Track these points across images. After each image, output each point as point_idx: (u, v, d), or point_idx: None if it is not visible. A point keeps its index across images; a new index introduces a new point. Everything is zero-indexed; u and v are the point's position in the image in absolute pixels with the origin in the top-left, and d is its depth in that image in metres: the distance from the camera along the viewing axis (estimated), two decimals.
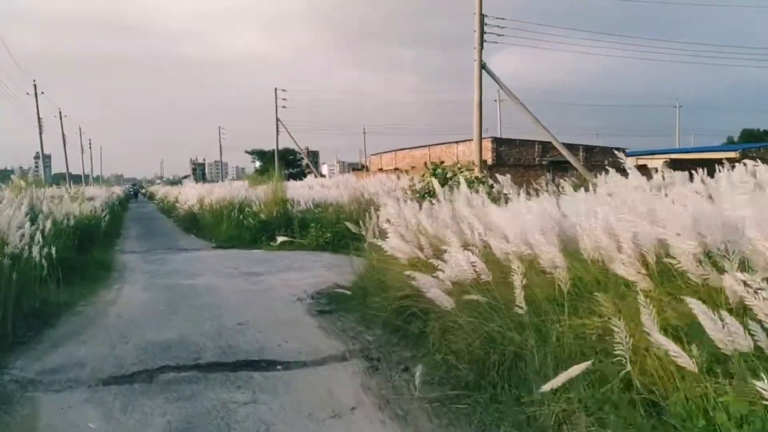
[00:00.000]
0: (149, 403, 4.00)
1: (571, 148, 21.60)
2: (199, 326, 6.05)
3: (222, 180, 50.59)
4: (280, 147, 46.96)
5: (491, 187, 10.11)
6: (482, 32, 17.32)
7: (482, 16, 17.24)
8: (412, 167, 25.28)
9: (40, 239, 6.77)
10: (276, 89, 44.74)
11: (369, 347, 5.26)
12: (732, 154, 23.57)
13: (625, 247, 3.00)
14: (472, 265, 3.99)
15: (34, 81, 43.24)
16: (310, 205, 15.48)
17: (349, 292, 6.55)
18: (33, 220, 7.41)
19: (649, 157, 29.77)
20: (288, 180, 22.54)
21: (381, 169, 29.95)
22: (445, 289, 4.01)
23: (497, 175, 13.97)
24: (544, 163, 23.81)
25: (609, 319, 2.79)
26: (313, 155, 75.78)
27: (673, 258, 2.78)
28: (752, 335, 2.19)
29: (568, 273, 3.31)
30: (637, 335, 2.66)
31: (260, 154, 58.84)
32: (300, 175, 42.37)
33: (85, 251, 10.63)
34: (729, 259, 2.58)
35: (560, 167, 22.17)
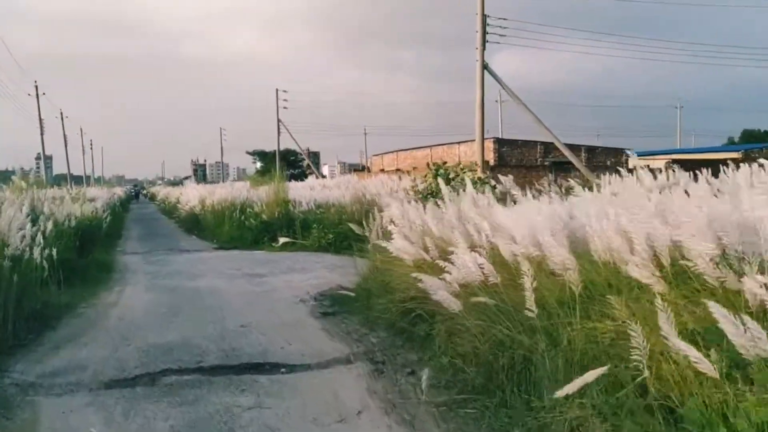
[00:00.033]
0: (152, 408, 3.93)
1: (574, 148, 21.52)
2: (201, 328, 5.99)
3: (223, 181, 50.57)
4: (281, 148, 46.97)
5: (494, 187, 10.06)
6: (484, 32, 17.25)
7: (484, 17, 17.18)
8: (414, 168, 25.22)
9: (41, 240, 6.71)
10: (277, 90, 44.72)
11: (373, 350, 5.19)
12: (734, 155, 23.46)
13: (639, 248, 2.93)
14: (480, 267, 3.92)
15: (36, 82, 43.18)
16: (312, 206, 15.44)
17: (352, 294, 6.49)
18: (34, 222, 7.35)
19: (651, 157, 29.65)
20: (289, 181, 22.48)
21: (382, 170, 29.88)
22: (452, 291, 3.95)
23: (499, 175, 13.99)
24: (546, 163, 23.73)
25: (623, 322, 2.73)
26: (314, 156, 75.68)
27: (689, 260, 2.72)
28: None
29: (580, 275, 3.24)
30: (652, 339, 2.59)
31: (261, 155, 58.80)
32: (301, 176, 42.34)
33: (86, 252, 10.58)
34: (748, 262, 2.51)
35: (562, 168, 22.09)
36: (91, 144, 68.76)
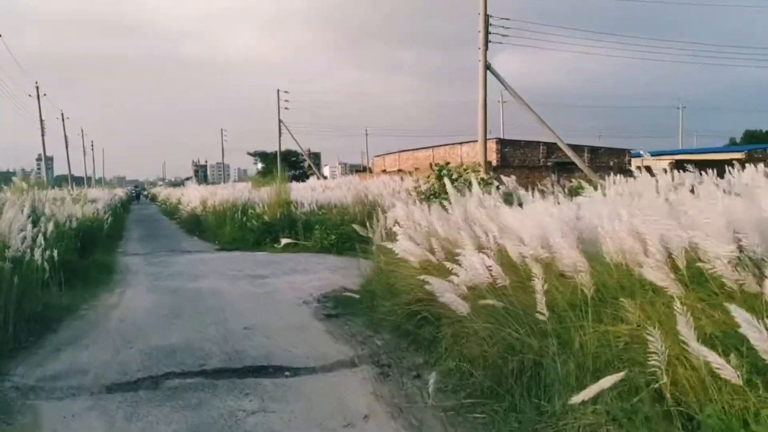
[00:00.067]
0: (154, 412, 3.86)
1: (576, 149, 21.45)
2: (204, 331, 5.93)
3: (224, 182, 50.48)
4: (282, 148, 46.92)
5: (497, 188, 9.99)
6: (487, 32, 17.19)
7: (487, 17, 17.12)
8: (416, 169, 25.15)
9: (42, 242, 6.65)
10: (278, 91, 44.73)
11: (378, 352, 5.13)
12: (738, 155, 23.39)
13: (653, 250, 2.86)
14: (488, 269, 3.85)
15: (36, 83, 43.15)
16: (314, 207, 15.40)
17: (357, 296, 6.42)
18: (35, 223, 7.29)
19: (654, 158, 29.58)
20: (290, 182, 22.42)
21: (384, 171, 29.82)
22: (460, 293, 3.88)
23: (502, 176, 13.92)
24: (549, 164, 23.64)
25: (638, 326, 2.66)
26: (315, 157, 75.71)
27: (706, 262, 2.65)
28: None
29: (591, 277, 3.17)
30: (668, 343, 2.52)
31: (262, 156, 58.77)
32: (302, 177, 42.27)
33: (87, 254, 10.52)
34: None
35: (565, 168, 22.01)
36: (92, 145, 68.89)
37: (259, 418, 3.77)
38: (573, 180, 16.82)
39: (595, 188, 7.88)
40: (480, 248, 4.45)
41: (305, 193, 17.24)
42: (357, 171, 45.42)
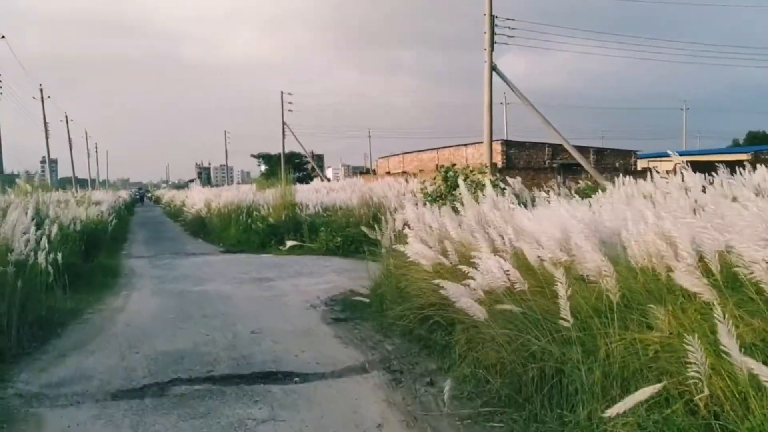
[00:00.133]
0: (161, 421, 3.74)
1: (582, 150, 21.29)
2: (211, 335, 5.81)
3: (228, 184, 50.48)
4: (286, 150, 46.82)
5: (503, 189, 9.86)
6: (492, 33, 17.06)
7: (492, 17, 16.99)
8: (420, 170, 25.05)
9: (46, 245, 6.54)
10: (282, 92, 44.67)
11: (389, 358, 5.00)
12: (744, 156, 23.21)
13: (684, 253, 2.73)
14: (506, 273, 3.72)
15: (41, 85, 43.24)
16: (319, 209, 15.30)
17: (367, 300, 6.29)
18: (39, 225, 7.19)
19: (658, 159, 29.42)
20: (294, 184, 22.33)
21: (388, 173, 29.69)
22: (476, 298, 3.75)
23: (507, 177, 13.79)
24: (554, 165, 23.49)
25: (671, 334, 2.53)
26: (318, 159, 75.53)
27: (742, 266, 2.52)
28: None
29: (617, 282, 3.04)
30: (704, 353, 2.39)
31: (266, 158, 58.66)
32: (306, 179, 42.15)
33: (91, 257, 10.43)
34: None
35: (571, 170, 21.87)
36: (96, 147, 68.93)
37: (269, 427, 3.65)
38: (579, 181, 16.71)
39: (603, 190, 7.77)
40: (495, 251, 4.33)
41: (310, 195, 17.15)
42: (360, 173, 45.23)
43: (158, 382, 4.46)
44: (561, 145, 19.78)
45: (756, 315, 2.45)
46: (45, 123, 43.63)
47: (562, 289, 3.04)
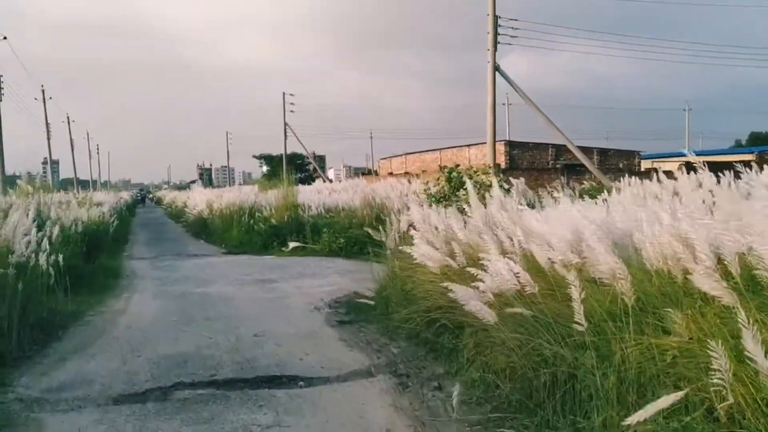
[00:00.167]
0: (164, 426, 3.66)
1: (585, 151, 21.18)
2: (213, 338, 5.74)
3: (229, 185, 50.38)
4: (287, 151, 46.74)
5: (507, 191, 9.78)
6: (496, 34, 16.97)
7: (496, 18, 16.90)
8: (423, 171, 24.98)
9: (47, 246, 6.47)
10: (284, 93, 44.57)
11: (395, 361, 4.92)
12: (748, 157, 23.15)
13: (702, 256, 2.65)
14: (516, 276, 3.64)
15: (42, 86, 43.18)
16: (321, 210, 15.24)
17: (371, 302, 6.21)
18: (40, 227, 7.12)
19: (662, 160, 29.33)
20: (297, 185, 22.28)
21: (391, 173, 29.62)
22: (486, 301, 3.67)
23: (511, 178, 13.71)
24: (557, 166, 23.40)
25: (690, 339, 2.45)
26: (320, 160, 75.46)
27: (763, 269, 2.44)
28: None
29: (632, 285, 2.95)
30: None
31: (268, 159, 58.60)
32: (308, 180, 42.13)
33: (93, 258, 10.37)
34: None
35: (574, 171, 21.77)
36: (97, 148, 68.83)
37: None
38: (584, 182, 16.61)
39: (609, 191, 7.68)
40: (503, 253, 4.25)
41: (312, 196, 17.11)
42: (363, 174, 45.13)
43: (161, 386, 4.39)
44: (564, 145, 19.69)
45: None
46: (47, 124, 43.61)
47: (575, 292, 2.96)
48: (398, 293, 5.86)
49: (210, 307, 7.31)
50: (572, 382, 3.17)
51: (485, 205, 5.47)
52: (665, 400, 2.04)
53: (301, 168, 54.15)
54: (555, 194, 6.92)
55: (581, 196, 8.33)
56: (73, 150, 52.78)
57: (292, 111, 44.79)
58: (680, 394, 2.09)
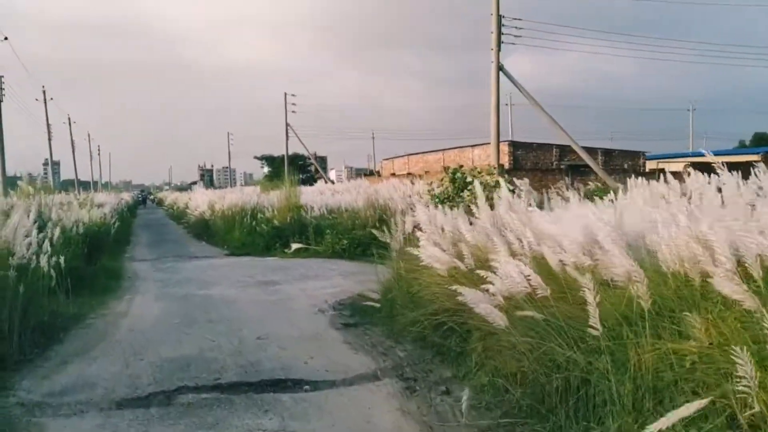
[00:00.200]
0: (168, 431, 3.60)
1: (590, 151, 21.11)
2: (217, 341, 5.66)
3: (231, 186, 50.33)
4: (289, 152, 46.69)
5: (512, 191, 9.70)
6: (499, 33, 16.91)
7: (499, 17, 16.84)
8: (426, 172, 24.91)
9: (48, 248, 6.40)
10: (286, 94, 44.50)
11: (402, 365, 4.85)
12: (754, 157, 23.01)
13: (722, 258, 2.57)
14: (526, 278, 3.56)
15: (43, 87, 43.22)
16: (324, 211, 15.15)
17: (377, 304, 6.13)
18: (41, 228, 7.05)
19: (667, 160, 29.23)
20: (299, 185, 22.21)
21: (393, 174, 29.54)
22: (496, 304, 3.59)
23: (515, 179, 13.63)
24: (562, 167, 23.32)
25: (711, 344, 2.38)
26: (322, 161, 75.43)
27: None
28: None
29: (648, 288, 2.87)
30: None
31: (269, 160, 58.57)
32: (310, 181, 42.05)
33: (94, 259, 10.30)
34: None
35: (579, 171, 21.68)
36: (98, 149, 68.94)
37: None
38: (588, 183, 16.54)
39: (615, 192, 7.60)
40: (513, 255, 4.17)
41: (314, 197, 17.04)
42: (365, 174, 45.04)
43: (164, 390, 4.32)
44: (568, 146, 19.62)
45: None
46: (48, 125, 43.66)
47: (590, 296, 2.88)
48: (404, 295, 5.78)
49: (212, 310, 7.24)
50: (585, 388, 3.10)
51: (492, 206, 5.40)
52: (688, 408, 1.96)
53: (302, 169, 54.07)
54: (565, 195, 6.83)
55: (586, 197, 8.27)
56: (74, 151, 52.90)
57: (293, 111, 44.76)
58: (704, 401, 2.01)
